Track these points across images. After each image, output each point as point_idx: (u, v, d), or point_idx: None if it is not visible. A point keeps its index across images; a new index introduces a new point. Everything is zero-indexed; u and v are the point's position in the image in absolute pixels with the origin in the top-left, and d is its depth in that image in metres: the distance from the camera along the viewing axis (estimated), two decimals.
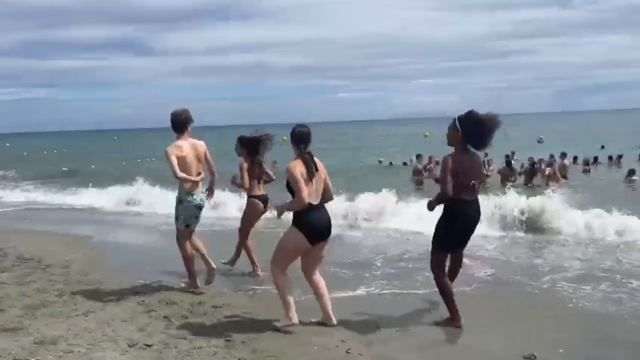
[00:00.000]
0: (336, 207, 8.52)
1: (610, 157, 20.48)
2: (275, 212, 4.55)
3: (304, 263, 4.70)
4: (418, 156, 18.71)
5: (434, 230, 4.69)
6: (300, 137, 4.53)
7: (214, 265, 5.76)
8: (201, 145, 5.58)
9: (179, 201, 5.58)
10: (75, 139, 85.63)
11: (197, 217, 5.65)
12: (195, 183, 5.52)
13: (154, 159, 28.67)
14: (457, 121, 4.52)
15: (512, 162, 16.73)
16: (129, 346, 4.19)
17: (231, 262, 6.62)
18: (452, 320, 4.65)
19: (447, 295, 4.64)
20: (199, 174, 5.55)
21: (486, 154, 18.10)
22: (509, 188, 13.18)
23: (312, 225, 4.44)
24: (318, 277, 4.71)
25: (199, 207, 5.61)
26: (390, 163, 23.16)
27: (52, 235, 9.62)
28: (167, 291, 5.75)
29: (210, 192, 5.71)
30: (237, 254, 6.61)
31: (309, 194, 4.39)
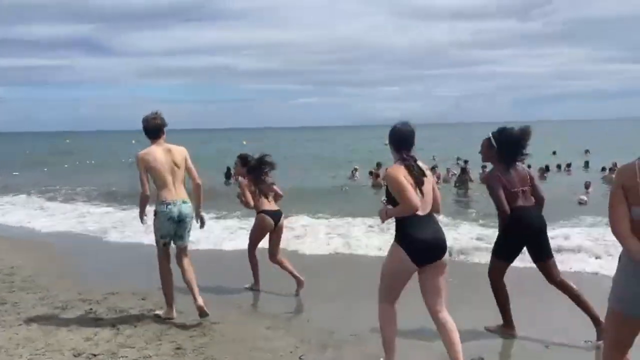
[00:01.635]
0: None
1: (558, 166, 21.31)
2: (379, 217, 3.73)
3: (422, 295, 3.69)
4: (378, 164, 19.12)
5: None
6: (402, 139, 3.69)
7: (201, 303, 4.80)
8: (179, 151, 4.93)
9: (154, 213, 4.85)
10: (23, 141, 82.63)
11: (178, 235, 4.87)
12: (172, 191, 4.82)
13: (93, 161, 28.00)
14: (492, 139, 4.55)
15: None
16: (74, 356, 4.04)
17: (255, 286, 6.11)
18: (505, 328, 4.56)
19: (499, 301, 4.55)
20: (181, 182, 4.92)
21: (466, 161, 18.79)
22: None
23: (417, 239, 3.51)
24: (444, 315, 3.63)
25: (179, 221, 4.83)
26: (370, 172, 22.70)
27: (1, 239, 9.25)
28: (116, 298, 5.57)
29: (200, 220, 5.04)
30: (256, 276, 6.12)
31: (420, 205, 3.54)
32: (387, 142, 3.80)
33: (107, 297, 5.62)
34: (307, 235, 9.07)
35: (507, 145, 4.49)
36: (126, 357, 4.04)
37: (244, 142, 47.83)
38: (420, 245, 3.50)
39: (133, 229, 9.59)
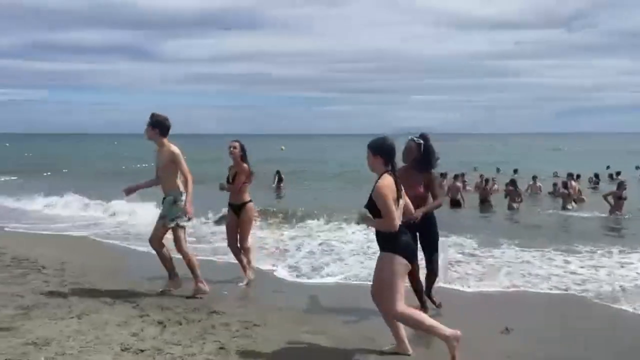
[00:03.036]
0: None
1: (610, 175, 21.13)
2: (357, 216, 4.22)
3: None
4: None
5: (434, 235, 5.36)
6: (392, 151, 4.11)
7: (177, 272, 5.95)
8: None
9: (174, 201, 5.69)
10: (73, 142, 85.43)
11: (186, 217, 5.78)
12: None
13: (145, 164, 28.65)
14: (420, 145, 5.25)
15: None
16: (122, 350, 4.16)
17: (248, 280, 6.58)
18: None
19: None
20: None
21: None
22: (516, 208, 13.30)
23: (408, 243, 4.13)
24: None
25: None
26: None
27: (48, 237, 9.62)
28: (160, 296, 5.73)
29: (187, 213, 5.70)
30: (244, 267, 6.58)
31: (398, 217, 4.06)
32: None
33: (153, 294, 5.78)
34: None
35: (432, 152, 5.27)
36: (172, 353, 4.14)
37: (282, 148, 48.11)
38: (410, 247, 4.17)
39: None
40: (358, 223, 4.26)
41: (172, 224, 5.70)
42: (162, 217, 5.77)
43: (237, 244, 6.54)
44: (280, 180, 21.58)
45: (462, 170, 19.75)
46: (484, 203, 15.54)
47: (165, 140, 5.76)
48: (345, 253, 8.27)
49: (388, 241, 4.09)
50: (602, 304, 5.92)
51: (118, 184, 8.28)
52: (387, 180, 4.03)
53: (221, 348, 4.29)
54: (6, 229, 10.54)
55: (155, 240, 5.81)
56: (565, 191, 15.42)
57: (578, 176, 18.24)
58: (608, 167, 24.88)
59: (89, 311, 5.09)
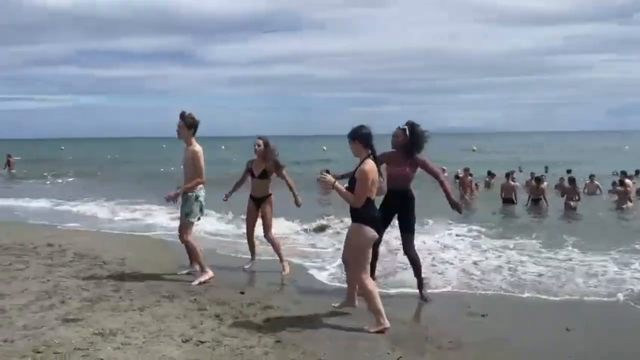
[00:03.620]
0: None
1: None
2: (326, 179, 4.67)
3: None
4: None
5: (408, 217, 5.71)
6: (370, 136, 4.73)
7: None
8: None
9: (196, 197, 6.09)
10: (127, 145, 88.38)
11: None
12: None
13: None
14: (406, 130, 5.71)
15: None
16: (183, 342, 4.30)
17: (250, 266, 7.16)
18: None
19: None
20: None
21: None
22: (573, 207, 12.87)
23: (376, 217, 4.78)
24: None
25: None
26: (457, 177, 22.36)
27: (107, 234, 10.01)
28: (216, 291, 5.87)
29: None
30: (253, 252, 7.20)
31: (372, 194, 4.71)
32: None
33: (208, 289, 5.94)
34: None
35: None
36: (230, 345, 4.24)
37: (324, 148, 48.32)
38: (377, 220, 4.76)
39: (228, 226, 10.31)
40: (326, 192, 4.92)
41: (195, 220, 6.21)
42: (187, 215, 6.13)
43: (253, 232, 7.07)
44: None
45: (512, 169, 19.23)
46: (537, 202, 15.05)
47: (194, 139, 6.12)
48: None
49: (360, 214, 4.69)
50: None
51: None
52: (370, 165, 4.64)
53: (277, 341, 4.37)
54: (59, 227, 10.91)
55: (185, 236, 6.22)
56: (621, 189, 14.79)
57: (638, 172, 17.41)
58: None
59: (150, 304, 5.28)
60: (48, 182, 25.21)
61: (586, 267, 7.34)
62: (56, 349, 4.05)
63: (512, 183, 15.77)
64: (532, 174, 18.06)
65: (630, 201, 14.77)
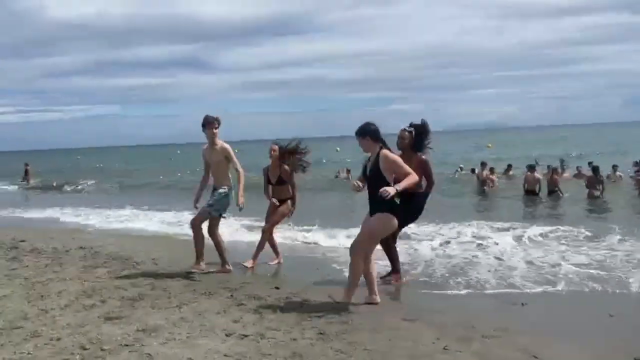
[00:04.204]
0: None
1: None
2: (389, 191, 4.70)
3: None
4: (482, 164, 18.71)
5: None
6: (375, 131, 4.99)
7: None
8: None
9: (226, 194, 6.33)
10: (136, 153, 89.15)
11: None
12: None
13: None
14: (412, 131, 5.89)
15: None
16: (226, 336, 4.30)
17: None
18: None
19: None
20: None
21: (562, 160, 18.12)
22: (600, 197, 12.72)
23: (401, 210, 4.98)
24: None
25: None
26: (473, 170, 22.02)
27: (136, 236, 10.11)
28: (251, 287, 5.87)
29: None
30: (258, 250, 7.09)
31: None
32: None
33: (244, 285, 5.94)
34: None
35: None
36: (274, 338, 4.23)
37: (337, 150, 48.30)
38: (401, 213, 5.01)
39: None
40: (391, 195, 4.68)
41: (217, 214, 6.36)
42: (210, 205, 6.34)
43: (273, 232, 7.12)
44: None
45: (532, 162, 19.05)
46: (552, 193, 15.03)
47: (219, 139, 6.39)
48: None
49: (387, 204, 4.79)
50: None
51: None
52: (391, 153, 4.93)
53: (320, 333, 4.34)
54: (90, 229, 11.07)
55: (198, 224, 6.42)
56: None
57: None
58: None
59: (188, 301, 5.30)
60: (69, 190, 25.55)
61: (628, 255, 7.22)
62: (102, 345, 4.07)
63: (536, 175, 15.66)
64: (548, 166, 17.92)
65: None
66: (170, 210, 13.70)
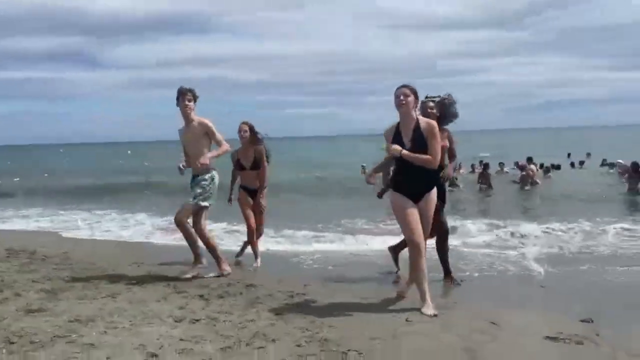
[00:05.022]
0: None
1: (572, 164, 21.78)
2: (395, 148, 4.18)
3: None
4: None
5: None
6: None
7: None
8: None
9: (212, 179, 5.38)
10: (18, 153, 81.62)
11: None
12: None
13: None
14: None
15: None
16: (176, 321, 3.92)
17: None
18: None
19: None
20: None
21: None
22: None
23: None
24: None
25: None
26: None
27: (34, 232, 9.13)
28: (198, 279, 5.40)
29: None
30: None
31: None
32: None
33: (183, 278, 5.45)
34: None
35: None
36: (230, 321, 3.92)
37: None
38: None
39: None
40: (397, 153, 4.15)
41: (206, 204, 5.33)
42: (195, 197, 5.32)
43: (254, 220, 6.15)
44: None
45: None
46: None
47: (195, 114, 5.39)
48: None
49: (436, 179, 4.43)
50: None
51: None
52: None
53: (278, 314, 4.11)
54: None
55: (184, 220, 5.36)
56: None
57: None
58: (569, 155, 25.60)
59: (121, 291, 4.82)
60: None
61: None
62: (31, 338, 3.53)
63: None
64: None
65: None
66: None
